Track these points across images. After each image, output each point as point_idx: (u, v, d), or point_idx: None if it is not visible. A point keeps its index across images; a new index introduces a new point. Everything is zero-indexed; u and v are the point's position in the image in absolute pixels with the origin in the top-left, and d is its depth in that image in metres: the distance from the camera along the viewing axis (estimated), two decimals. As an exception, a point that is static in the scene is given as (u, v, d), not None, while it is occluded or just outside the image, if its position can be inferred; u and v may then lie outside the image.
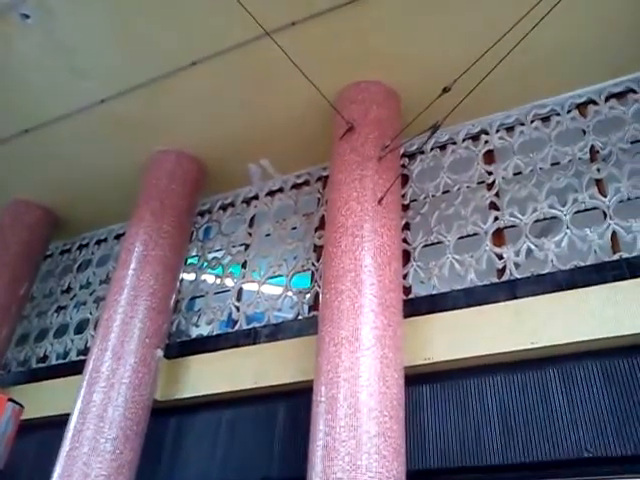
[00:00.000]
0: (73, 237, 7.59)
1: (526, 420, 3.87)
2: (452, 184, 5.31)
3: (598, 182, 4.72)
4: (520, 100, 5.32)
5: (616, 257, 4.26)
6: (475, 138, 5.48)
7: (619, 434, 3.58)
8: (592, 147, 4.92)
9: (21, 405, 5.13)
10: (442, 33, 4.81)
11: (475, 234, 4.93)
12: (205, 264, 6.37)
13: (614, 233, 4.41)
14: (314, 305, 5.24)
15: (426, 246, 5.09)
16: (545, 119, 5.26)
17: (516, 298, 4.29)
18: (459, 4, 4.60)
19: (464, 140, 5.50)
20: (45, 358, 6.68)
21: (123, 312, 5.24)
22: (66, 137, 6.14)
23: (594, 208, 4.63)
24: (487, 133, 5.43)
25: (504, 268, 4.61)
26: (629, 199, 4.53)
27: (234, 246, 6.28)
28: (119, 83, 5.51)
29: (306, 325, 4.99)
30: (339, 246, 4.47)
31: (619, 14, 4.60)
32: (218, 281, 6.15)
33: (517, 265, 4.58)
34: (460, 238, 4.98)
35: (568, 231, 4.56)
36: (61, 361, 6.49)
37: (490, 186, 5.14)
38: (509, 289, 4.40)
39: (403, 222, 5.12)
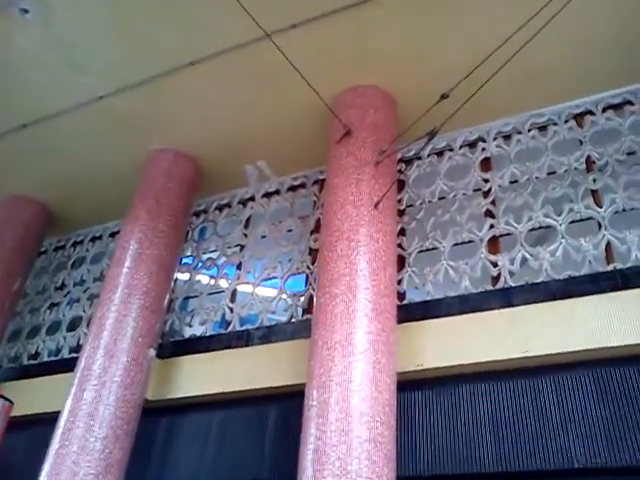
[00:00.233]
0: (68, 234, 7.57)
1: (518, 429, 3.87)
2: (448, 191, 5.32)
3: (594, 193, 4.75)
4: (518, 109, 5.34)
5: (610, 268, 4.28)
6: (472, 145, 5.50)
7: (611, 445, 3.59)
8: (588, 157, 4.94)
9: (11, 401, 5.11)
10: (441, 39, 4.83)
11: (470, 241, 4.95)
12: (200, 264, 6.36)
13: (609, 244, 4.43)
14: (308, 308, 5.24)
15: (421, 252, 5.11)
16: (542, 128, 5.28)
17: (510, 306, 4.31)
18: (459, 11, 4.62)
19: (461, 147, 5.52)
20: (37, 355, 6.66)
21: (116, 310, 5.22)
22: (63, 133, 6.12)
23: (589, 218, 4.65)
24: (484, 141, 5.45)
25: (499, 276, 4.62)
26: (624, 210, 4.56)
27: (229, 247, 6.28)
28: (118, 80, 5.50)
29: (299, 328, 4.99)
30: (334, 250, 4.47)
31: (617, 27, 4.63)
32: (212, 282, 6.14)
33: (512, 273, 4.59)
34: (455, 245, 5.00)
35: (563, 241, 4.58)
36: (53, 358, 6.47)
37: (486, 194, 5.16)
38: (503, 297, 4.41)
39: (399, 227, 5.13)
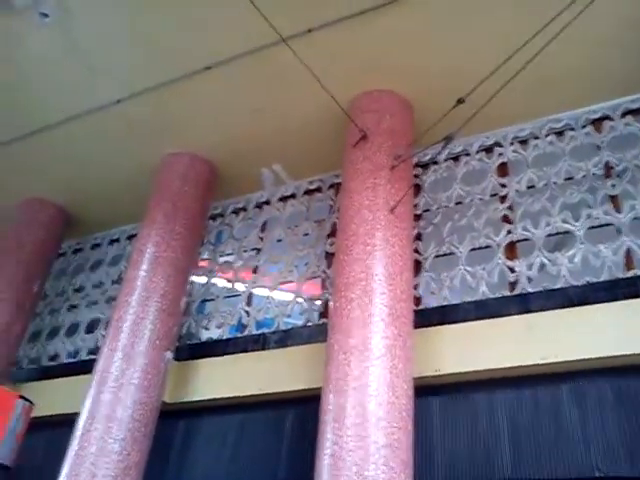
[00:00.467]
0: (86, 236, 7.64)
1: (536, 437, 3.86)
2: (465, 195, 5.31)
3: (612, 198, 4.71)
4: (535, 114, 5.32)
5: (630, 274, 4.25)
6: (489, 150, 5.48)
7: (631, 454, 3.56)
8: (607, 163, 4.90)
9: (31, 402, 5.17)
10: (457, 44, 4.82)
11: (487, 246, 4.93)
12: (216, 268, 6.39)
13: (628, 250, 4.40)
14: (324, 312, 5.25)
15: (438, 257, 5.10)
16: (559, 133, 5.25)
17: (528, 312, 4.29)
18: (474, 17, 4.61)
19: (478, 152, 5.50)
20: (56, 356, 6.73)
21: (134, 313, 5.27)
22: (80, 137, 6.18)
23: (608, 224, 4.62)
24: (501, 145, 5.43)
25: (516, 281, 4.61)
26: (644, 216, 4.53)
27: (245, 251, 6.31)
28: (134, 84, 5.55)
29: (316, 332, 5.00)
30: (350, 254, 4.48)
31: (635, 31, 4.59)
32: (229, 285, 6.17)
33: (529, 279, 4.57)
34: (472, 250, 4.98)
35: (582, 246, 4.55)
36: (72, 360, 6.54)
37: (503, 199, 5.14)
38: (521, 303, 4.40)
39: (415, 232, 5.12)
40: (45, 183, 6.98)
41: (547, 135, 5.28)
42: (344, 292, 4.33)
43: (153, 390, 4.99)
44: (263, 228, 6.38)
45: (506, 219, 5.02)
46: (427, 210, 5.42)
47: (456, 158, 5.58)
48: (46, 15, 4.97)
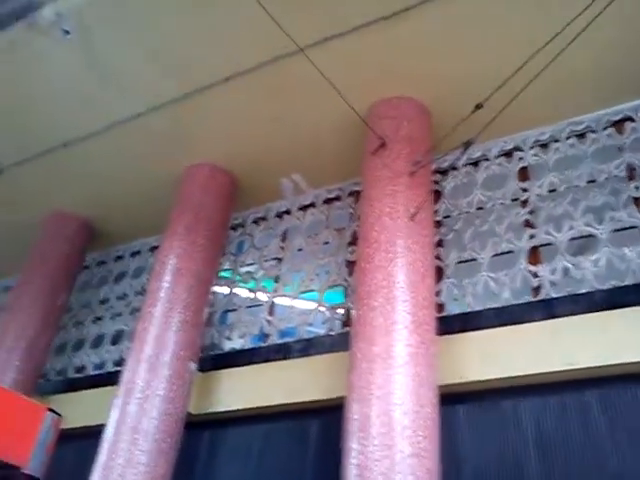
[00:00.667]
0: (109, 249, 7.73)
1: (565, 444, 3.81)
2: (486, 201, 5.28)
3: (636, 200, 4.65)
4: (554, 117, 5.28)
5: (656, 277, 4.19)
6: (509, 155, 5.44)
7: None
8: (629, 165, 4.84)
9: (60, 414, 5.21)
10: (473, 49, 4.81)
11: (510, 252, 4.89)
12: (238, 278, 6.43)
13: (654, 253, 4.34)
14: (346, 321, 5.25)
15: (460, 263, 5.07)
16: (580, 136, 5.20)
17: (552, 317, 4.25)
18: (490, 20, 4.59)
19: (497, 157, 5.47)
20: (82, 368, 6.81)
21: (158, 324, 5.32)
22: (102, 151, 6.27)
23: (633, 227, 4.55)
24: (521, 150, 5.39)
25: (540, 287, 4.56)
26: (669, 218, 4.46)
27: (267, 260, 6.33)
28: (153, 98, 5.62)
29: (338, 341, 4.99)
30: (372, 262, 4.48)
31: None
32: (251, 295, 6.20)
33: (553, 284, 4.52)
34: (494, 255, 4.94)
35: (606, 250, 4.49)
36: (98, 371, 6.61)
37: (524, 203, 5.10)
38: (545, 308, 4.35)
39: (436, 238, 5.11)
40: (68, 198, 7.09)
41: (568, 138, 5.23)
42: (366, 300, 4.32)
43: (178, 401, 5.03)
44: (284, 237, 6.40)
45: (528, 224, 4.97)
46: (448, 216, 5.40)
47: (476, 163, 5.55)
48: (67, 32, 5.06)
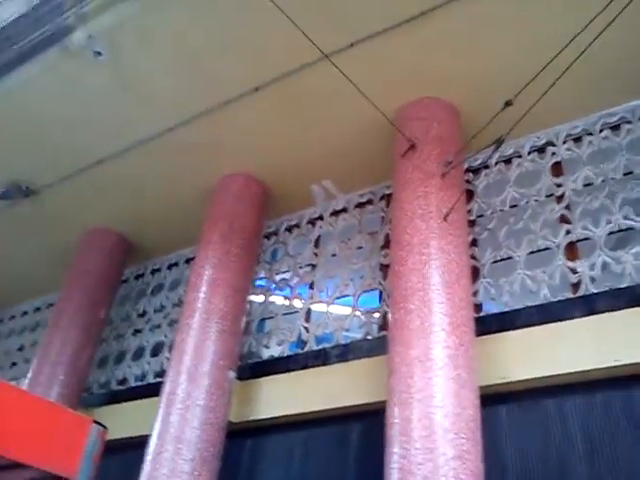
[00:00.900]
0: (146, 262, 7.86)
1: (612, 443, 3.72)
2: (519, 198, 5.21)
3: (675, 190, 4.54)
4: (586, 109, 5.18)
5: (700, 268, 4.07)
6: (541, 150, 5.36)
7: None
8: (667, 154, 4.73)
9: (105, 426, 5.32)
10: (500, 46, 4.76)
11: (546, 248, 4.81)
12: (273, 285, 6.47)
13: (696, 243, 4.22)
14: (383, 325, 5.22)
15: (495, 262, 5.01)
16: (615, 128, 5.09)
17: (593, 314, 4.16)
18: (516, 17, 4.54)
19: (530, 153, 5.39)
20: (124, 380, 6.93)
21: (196, 335, 5.38)
22: (136, 165, 6.38)
23: (673, 218, 4.44)
24: (553, 145, 5.30)
25: (579, 283, 4.48)
26: None
27: (301, 267, 6.36)
28: (184, 111, 5.70)
29: (376, 345, 4.98)
30: (406, 265, 4.46)
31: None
32: (287, 302, 6.23)
33: (593, 279, 4.43)
34: (531, 253, 4.87)
35: (646, 242, 4.39)
36: (139, 383, 6.71)
37: (560, 199, 5.02)
38: (585, 304, 4.27)
39: (470, 238, 5.05)
40: (104, 214, 7.24)
41: (601, 130, 5.13)
42: (402, 303, 4.30)
43: (219, 410, 5.07)
44: (317, 244, 6.42)
45: (564, 219, 4.89)
46: (481, 215, 5.34)
47: (508, 160, 5.48)
48: (99, 53, 5.18)
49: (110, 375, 7.11)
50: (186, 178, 6.47)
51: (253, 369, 5.74)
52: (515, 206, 5.20)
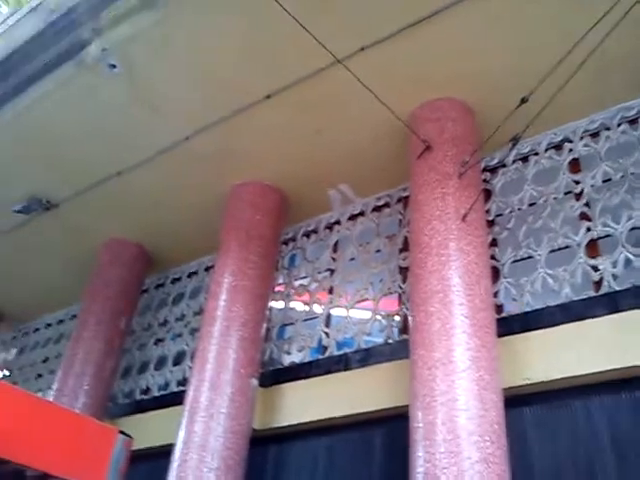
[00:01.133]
0: (166, 271, 7.92)
1: (641, 442, 3.66)
2: (538, 196, 5.15)
3: (697, 183, 4.46)
4: (603, 104, 5.11)
5: None
6: (558, 147, 5.30)
7: None
8: (687, 147, 4.65)
9: (130, 436, 5.35)
10: (512, 44, 4.71)
11: (567, 247, 4.76)
12: (292, 291, 6.47)
13: None
14: (404, 328, 5.20)
15: (516, 261, 4.96)
16: (633, 122, 5.00)
17: (617, 312, 4.09)
18: (529, 13, 4.49)
19: (546, 150, 5.34)
20: (148, 389, 6.98)
21: (217, 343, 5.41)
22: (153, 176, 6.43)
23: (696, 211, 4.37)
24: (570, 141, 5.24)
25: (601, 280, 4.41)
26: None
27: (319, 272, 6.35)
28: (199, 120, 5.72)
29: (397, 349, 4.96)
30: (425, 267, 4.44)
31: None
32: (306, 308, 6.23)
33: (615, 277, 4.36)
34: (551, 251, 4.81)
35: (670, 237, 4.32)
36: (162, 392, 6.76)
37: (579, 196, 4.95)
38: (609, 302, 4.20)
39: (490, 238, 5.01)
40: (123, 225, 7.31)
41: (619, 125, 5.05)
42: (423, 306, 4.28)
43: (242, 418, 5.09)
44: (335, 248, 6.41)
45: (584, 216, 4.82)
46: (500, 215, 5.29)
47: (525, 159, 5.43)
48: (114, 66, 5.24)
49: (134, 385, 7.17)
50: (202, 187, 6.50)
51: (275, 376, 5.74)
52: (534, 204, 5.15)
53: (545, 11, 4.47)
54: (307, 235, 6.74)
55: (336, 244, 6.43)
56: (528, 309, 4.62)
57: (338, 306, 5.95)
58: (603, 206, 4.77)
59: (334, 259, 6.32)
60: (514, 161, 5.44)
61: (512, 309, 4.74)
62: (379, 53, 4.80)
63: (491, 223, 5.22)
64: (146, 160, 6.19)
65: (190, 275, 7.71)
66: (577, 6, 4.27)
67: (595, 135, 5.16)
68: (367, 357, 5.20)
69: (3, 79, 5.79)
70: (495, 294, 4.72)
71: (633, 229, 4.56)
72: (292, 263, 6.77)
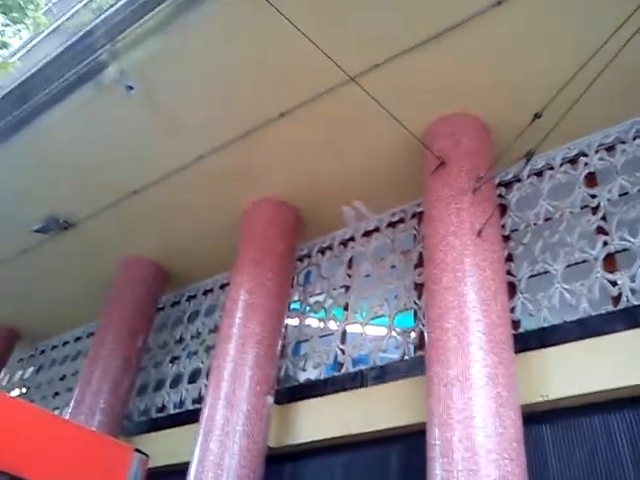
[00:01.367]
0: (182, 289, 7.96)
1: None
2: (554, 211, 5.13)
3: None
4: (618, 118, 5.10)
5: None
6: (573, 161, 5.29)
7: None
8: None
9: (146, 455, 5.35)
10: (525, 60, 4.72)
11: (584, 261, 4.72)
12: (308, 308, 6.46)
13: None
14: (419, 345, 5.17)
15: (532, 277, 4.92)
16: (649, 134, 4.99)
17: (636, 327, 4.04)
18: (540, 31, 4.50)
19: (562, 164, 5.32)
20: (163, 407, 6.98)
21: (232, 360, 5.40)
22: (169, 194, 6.49)
23: None
24: (586, 155, 5.22)
25: (620, 295, 4.36)
26: None
27: (335, 289, 6.35)
28: (214, 139, 5.79)
29: (413, 365, 4.93)
30: (440, 283, 4.42)
31: None
32: (321, 325, 6.21)
33: (634, 291, 4.32)
34: (568, 266, 4.78)
35: (688, 251, 4.26)
36: (178, 410, 6.75)
37: (595, 210, 4.92)
38: (627, 317, 4.16)
39: (505, 253, 4.98)
40: (140, 243, 7.37)
41: (635, 138, 5.03)
42: (438, 322, 4.26)
43: (258, 435, 5.06)
44: (350, 264, 6.41)
45: (601, 230, 4.78)
46: (515, 230, 5.27)
47: (540, 173, 5.41)
48: (131, 87, 5.31)
49: (149, 403, 7.18)
50: (218, 204, 6.55)
51: (290, 393, 5.72)
52: (549, 219, 5.12)
53: (558, 28, 4.48)
54: (322, 251, 6.75)
55: (351, 260, 6.43)
56: (545, 325, 4.58)
57: (354, 322, 5.92)
58: (620, 220, 4.73)
59: (349, 275, 6.31)
60: (529, 176, 5.43)
61: (529, 325, 4.69)
62: (393, 70, 4.83)
63: (507, 238, 5.19)
64: (162, 178, 6.27)
65: (205, 292, 7.74)
66: (591, 22, 4.27)
67: (611, 149, 5.14)
68: (383, 374, 5.17)
69: (23, 101, 5.90)
70: (512, 310, 4.68)
71: (651, 243, 4.52)
72: (307, 280, 6.77)
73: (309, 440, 5.22)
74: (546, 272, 4.86)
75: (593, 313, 4.40)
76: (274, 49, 4.87)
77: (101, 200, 6.69)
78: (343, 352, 5.74)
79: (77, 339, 9.18)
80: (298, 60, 4.83)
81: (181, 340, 7.54)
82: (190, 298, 7.89)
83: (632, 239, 4.56)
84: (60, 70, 5.58)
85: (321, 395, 5.42)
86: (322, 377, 5.73)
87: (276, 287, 5.90)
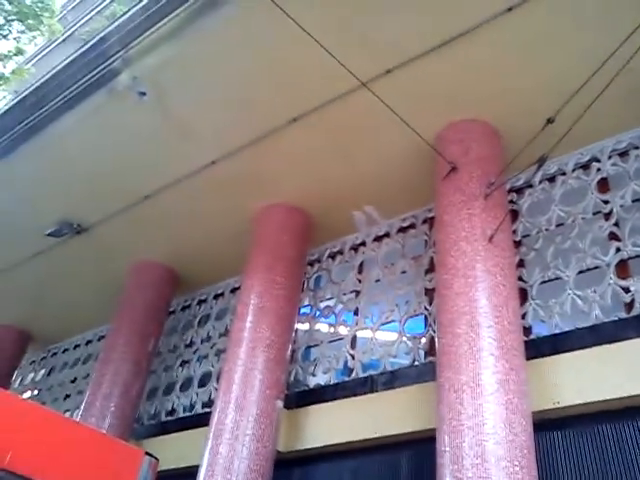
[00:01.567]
0: (193, 293, 7.98)
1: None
2: (566, 216, 5.10)
3: None
4: (630, 123, 5.06)
5: None
6: (585, 167, 5.26)
7: None
8: None
9: (156, 458, 5.36)
10: (537, 65, 4.71)
11: (596, 267, 4.69)
12: (318, 313, 6.46)
13: None
14: (430, 350, 5.15)
15: (544, 283, 4.89)
16: (663, 140, 4.96)
17: (649, 334, 4.01)
18: (552, 35, 4.49)
19: (574, 170, 5.29)
20: (173, 411, 7.00)
21: (243, 364, 5.41)
22: (181, 200, 6.52)
23: None
24: (598, 160, 5.19)
25: (632, 302, 4.33)
26: None
27: (345, 294, 6.34)
28: (225, 145, 5.81)
29: (424, 371, 4.91)
30: (451, 288, 4.41)
31: None
32: (332, 329, 6.21)
33: (647, 298, 4.28)
34: (580, 272, 4.75)
35: (702, 257, 4.22)
36: (188, 414, 6.77)
37: (608, 216, 4.89)
38: (640, 324, 4.12)
39: (517, 259, 4.96)
40: (151, 247, 7.41)
41: (648, 144, 5.00)
42: (449, 328, 4.24)
43: (267, 440, 5.06)
44: (360, 269, 6.40)
45: (613, 236, 4.75)
46: (527, 235, 5.24)
47: (552, 179, 5.39)
48: (144, 93, 5.34)
49: (159, 406, 7.20)
50: (229, 209, 6.57)
51: (300, 398, 5.72)
52: (561, 225, 5.10)
53: (569, 34, 4.46)
54: (332, 256, 6.75)
55: (361, 265, 6.42)
56: (557, 331, 4.55)
57: (364, 328, 5.91)
58: (633, 226, 4.70)
59: (359, 280, 6.31)
60: (541, 181, 5.40)
61: (541, 331, 4.66)
62: (404, 76, 4.84)
63: (518, 244, 5.17)
64: (173, 184, 6.30)
65: (216, 297, 7.76)
66: (602, 28, 4.26)
67: (624, 154, 5.10)
68: (393, 379, 5.16)
69: (37, 107, 5.96)
70: (523, 316, 4.65)
71: (665, 249, 4.48)
72: (317, 284, 6.77)
73: (318, 445, 5.21)
74: (558, 278, 4.84)
75: (605, 320, 4.36)
76: (287, 54, 4.88)
77: (113, 205, 6.74)
78: (353, 357, 5.73)
79: (88, 342, 9.23)
80: (310, 66, 4.85)
81: (191, 344, 7.56)
82: (201, 302, 7.91)
83: (645, 245, 4.53)
84: (74, 76, 5.62)
85: (331, 400, 5.42)
86: (332, 382, 5.72)
87: (286, 291, 5.91)
